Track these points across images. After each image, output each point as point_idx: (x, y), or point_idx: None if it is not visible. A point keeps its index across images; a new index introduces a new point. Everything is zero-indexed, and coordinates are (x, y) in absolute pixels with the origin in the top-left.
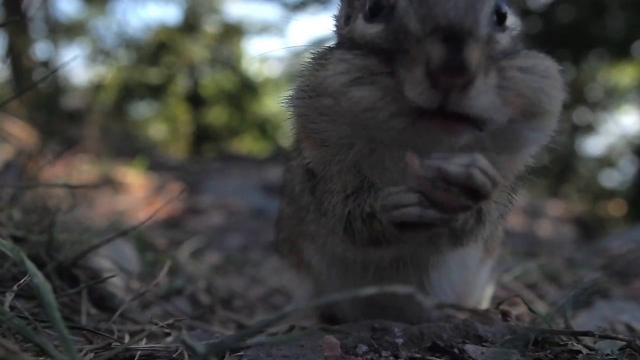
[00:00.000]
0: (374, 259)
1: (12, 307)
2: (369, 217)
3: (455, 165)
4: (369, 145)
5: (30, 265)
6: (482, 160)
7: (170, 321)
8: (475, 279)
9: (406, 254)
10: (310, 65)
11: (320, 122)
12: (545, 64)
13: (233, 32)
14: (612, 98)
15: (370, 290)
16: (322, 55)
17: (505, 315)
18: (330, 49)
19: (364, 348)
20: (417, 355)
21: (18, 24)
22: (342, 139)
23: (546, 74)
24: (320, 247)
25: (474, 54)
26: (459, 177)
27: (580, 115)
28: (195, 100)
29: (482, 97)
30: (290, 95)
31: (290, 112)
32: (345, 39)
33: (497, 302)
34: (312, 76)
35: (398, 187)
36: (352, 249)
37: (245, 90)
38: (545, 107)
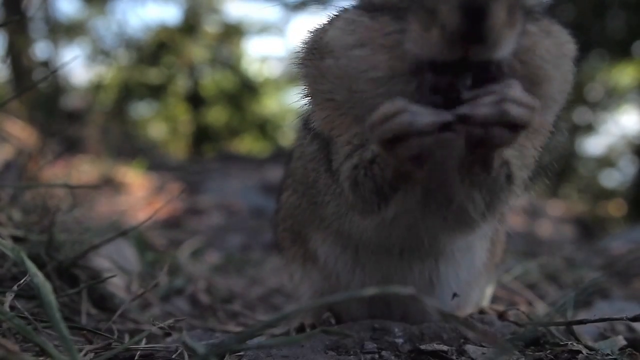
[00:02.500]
0: (387, 232)
1: (12, 307)
2: (370, 163)
3: (484, 106)
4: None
5: (30, 265)
6: (512, 90)
7: (171, 321)
8: (479, 280)
9: (417, 209)
10: (320, 24)
11: (324, 84)
12: (562, 35)
13: (233, 32)
14: (612, 98)
15: (371, 291)
16: (333, 15)
17: (502, 315)
18: (344, 9)
19: (364, 348)
20: (417, 356)
21: (18, 24)
22: (345, 102)
23: (559, 41)
24: (334, 233)
25: (497, 23)
26: (492, 117)
27: (580, 115)
28: (195, 100)
29: (500, 53)
30: (297, 55)
31: (297, 73)
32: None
33: (497, 301)
34: (319, 35)
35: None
36: (363, 216)
37: (245, 90)
38: (550, 74)
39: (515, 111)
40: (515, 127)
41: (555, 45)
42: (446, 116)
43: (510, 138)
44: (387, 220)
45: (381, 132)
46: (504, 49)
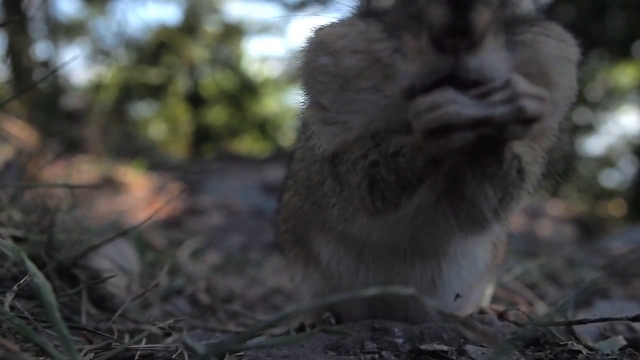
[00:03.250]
0: (397, 232)
1: (12, 307)
2: (393, 156)
3: (500, 106)
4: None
5: (30, 265)
6: (521, 84)
7: (171, 321)
8: (481, 281)
9: (438, 198)
10: (320, 26)
11: (319, 85)
12: (565, 38)
13: (233, 32)
14: (612, 98)
15: (372, 291)
16: (334, 20)
17: (502, 315)
18: (348, 16)
19: (364, 348)
20: (417, 356)
21: (18, 24)
22: (331, 106)
23: (563, 45)
24: (337, 235)
25: (481, 17)
26: (509, 116)
27: (580, 115)
28: (195, 100)
29: (491, 57)
30: (299, 59)
31: (299, 78)
32: (365, 7)
33: (497, 301)
34: (317, 37)
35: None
36: (380, 215)
37: (245, 90)
38: (555, 78)
39: (531, 106)
40: (529, 121)
41: (561, 50)
42: (493, 110)
43: (524, 132)
44: (402, 218)
45: (426, 121)
46: (492, 61)
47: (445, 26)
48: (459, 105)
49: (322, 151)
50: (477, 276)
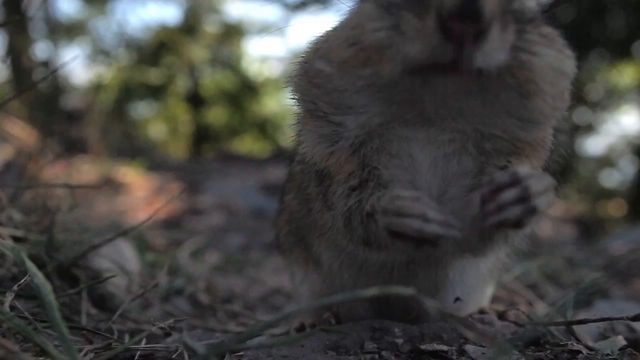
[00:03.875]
0: (376, 258)
1: (12, 307)
2: (368, 216)
3: (513, 208)
4: (364, 118)
5: (30, 266)
6: (532, 179)
7: (171, 321)
8: (482, 284)
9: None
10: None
11: (314, 93)
12: (564, 49)
13: (233, 32)
14: (612, 98)
15: (373, 291)
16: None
17: (502, 315)
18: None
19: (364, 348)
20: (417, 356)
21: (18, 24)
22: (336, 112)
23: (562, 56)
24: (331, 241)
25: (490, 3)
26: (524, 216)
27: (580, 115)
28: (195, 100)
29: (498, 52)
30: (291, 73)
31: (291, 92)
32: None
33: (497, 301)
34: (312, 45)
35: (408, 192)
36: (351, 246)
37: (245, 90)
38: (545, 88)
39: (543, 204)
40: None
41: (558, 61)
42: (456, 233)
43: (533, 220)
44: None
45: (390, 223)
46: (498, 52)
47: (456, 8)
48: (424, 222)
49: (310, 160)
50: (479, 279)
